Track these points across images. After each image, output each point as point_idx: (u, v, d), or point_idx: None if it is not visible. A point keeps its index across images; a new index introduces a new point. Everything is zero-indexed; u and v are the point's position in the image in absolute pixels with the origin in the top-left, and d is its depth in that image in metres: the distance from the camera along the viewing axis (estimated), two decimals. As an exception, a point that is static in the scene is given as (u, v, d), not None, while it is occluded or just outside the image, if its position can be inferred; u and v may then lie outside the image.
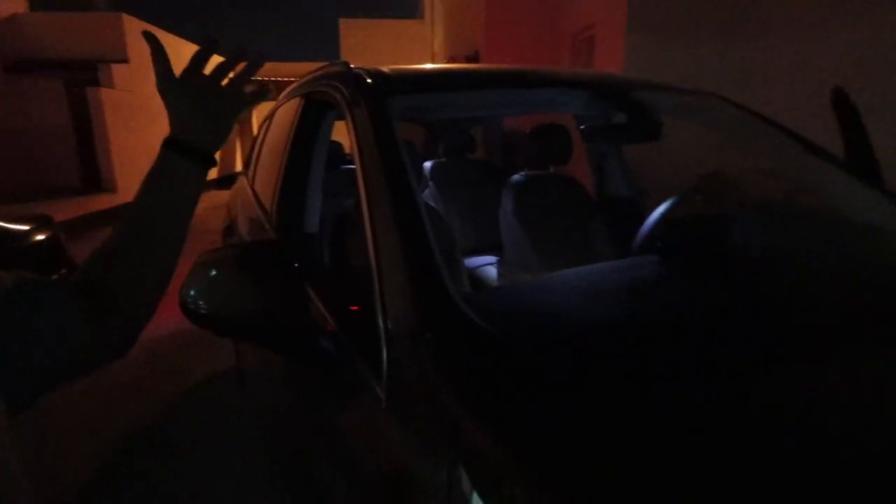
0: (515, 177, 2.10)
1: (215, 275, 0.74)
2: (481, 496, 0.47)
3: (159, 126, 9.39)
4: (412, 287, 0.67)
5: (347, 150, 2.83)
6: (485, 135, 3.06)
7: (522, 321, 0.71)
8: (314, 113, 1.51)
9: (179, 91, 0.57)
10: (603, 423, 0.52)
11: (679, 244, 1.10)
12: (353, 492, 0.64)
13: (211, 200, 11.20)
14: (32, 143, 7.75)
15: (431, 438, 0.56)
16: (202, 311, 0.73)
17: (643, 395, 0.55)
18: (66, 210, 6.33)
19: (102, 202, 7.41)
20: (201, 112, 0.57)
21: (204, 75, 0.58)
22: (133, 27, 8.36)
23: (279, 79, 14.81)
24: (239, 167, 14.53)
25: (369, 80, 1.15)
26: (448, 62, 9.52)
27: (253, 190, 2.16)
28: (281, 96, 2.26)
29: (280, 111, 2.15)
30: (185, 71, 0.58)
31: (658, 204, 1.51)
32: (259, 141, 2.42)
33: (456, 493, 0.49)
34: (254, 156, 2.46)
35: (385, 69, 1.25)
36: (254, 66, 0.63)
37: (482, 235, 2.52)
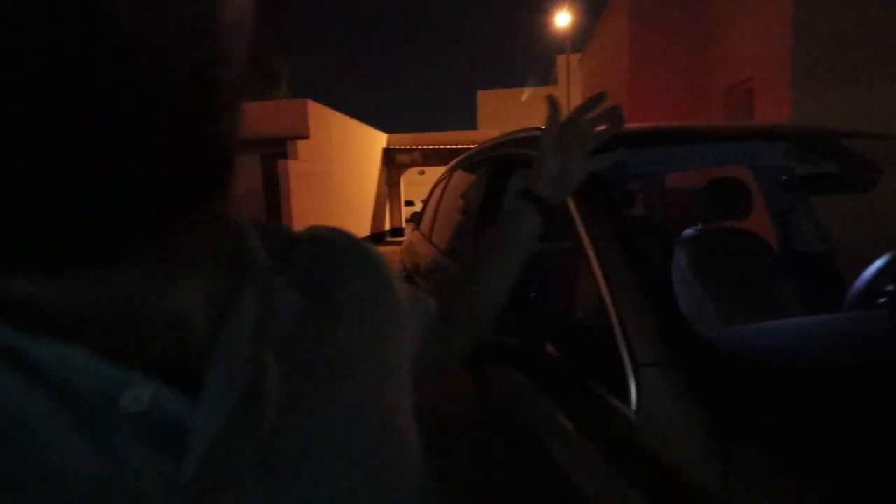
0: (688, 231, 2.07)
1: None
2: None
3: (328, 190, 10.84)
4: (654, 318, 0.75)
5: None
6: (645, 192, 3.05)
7: (766, 356, 0.73)
8: (504, 172, 1.70)
9: (555, 147, 0.60)
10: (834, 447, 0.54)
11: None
12: None
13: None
14: (235, 205, 9.46)
15: (695, 453, 0.61)
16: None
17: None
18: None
19: (280, 255, 8.70)
20: (561, 166, 0.60)
21: (577, 128, 0.60)
22: (314, 110, 9.99)
23: (427, 146, 16.28)
24: (387, 226, 15.97)
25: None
26: (588, 123, 9.64)
27: (430, 240, 2.42)
28: (457, 161, 2.55)
29: (457, 174, 2.42)
30: (567, 121, 0.60)
31: (858, 260, 1.40)
32: (435, 201, 2.72)
33: None
34: (430, 213, 2.76)
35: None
36: (615, 127, 0.63)
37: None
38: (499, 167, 1.72)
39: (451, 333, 0.52)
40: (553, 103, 0.61)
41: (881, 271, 1.19)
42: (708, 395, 0.65)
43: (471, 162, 2.21)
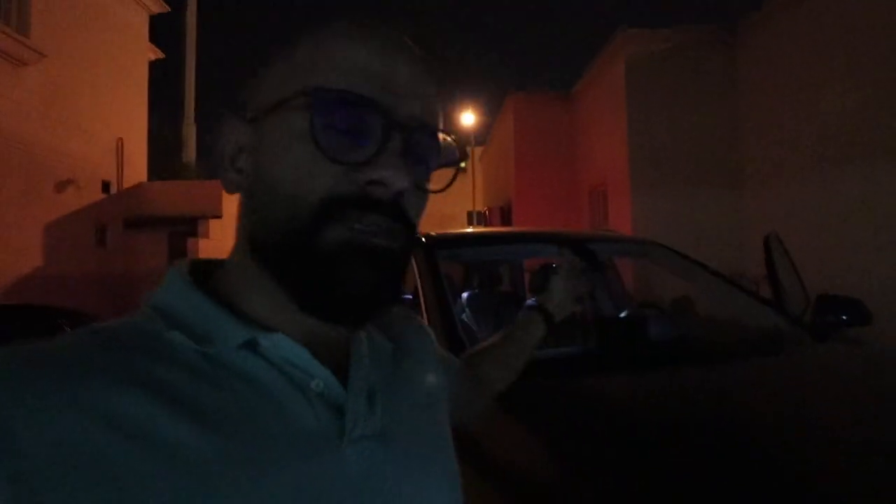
0: (528, 301, 2.83)
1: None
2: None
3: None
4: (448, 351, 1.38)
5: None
6: (510, 272, 3.86)
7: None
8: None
9: (565, 282, 0.85)
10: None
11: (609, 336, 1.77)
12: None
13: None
14: (141, 284, 9.22)
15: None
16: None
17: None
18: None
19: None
20: (563, 296, 0.84)
21: (575, 275, 0.86)
22: (228, 191, 10.30)
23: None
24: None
25: (424, 240, 1.98)
26: (486, 211, 10.88)
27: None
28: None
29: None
30: (569, 272, 0.86)
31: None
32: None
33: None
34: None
35: (433, 233, 2.10)
36: (588, 285, 0.90)
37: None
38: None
39: (477, 392, 0.71)
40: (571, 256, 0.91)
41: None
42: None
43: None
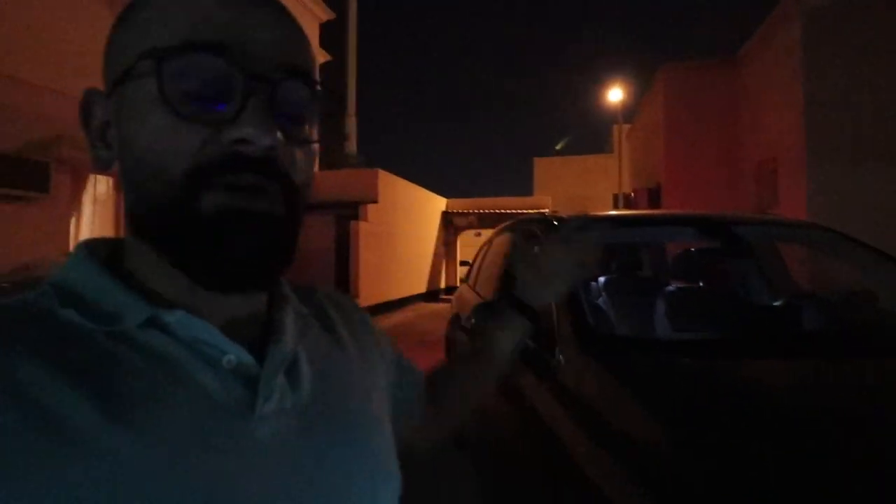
0: (669, 287, 2.75)
1: (480, 311, 1.67)
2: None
3: (392, 249, 12.00)
4: (574, 335, 1.49)
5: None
6: (651, 256, 3.72)
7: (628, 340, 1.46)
8: (524, 241, 2.50)
9: (530, 265, 0.71)
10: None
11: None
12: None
13: (419, 310, 13.14)
14: (307, 261, 10.70)
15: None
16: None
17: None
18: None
19: (347, 305, 9.71)
20: (539, 280, 0.70)
21: (557, 254, 0.70)
22: (383, 177, 11.36)
23: (483, 210, 17.38)
24: (443, 284, 16.92)
25: (556, 223, 2.08)
26: (632, 194, 10.32)
27: (475, 290, 3.22)
28: (496, 231, 3.38)
29: (496, 240, 3.24)
30: (544, 247, 0.72)
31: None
32: (480, 258, 3.54)
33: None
34: (476, 268, 3.58)
35: (565, 215, 2.18)
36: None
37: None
38: (518, 237, 2.52)
39: (433, 415, 0.62)
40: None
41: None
42: (587, 347, 1.39)
43: (504, 231, 3.03)
